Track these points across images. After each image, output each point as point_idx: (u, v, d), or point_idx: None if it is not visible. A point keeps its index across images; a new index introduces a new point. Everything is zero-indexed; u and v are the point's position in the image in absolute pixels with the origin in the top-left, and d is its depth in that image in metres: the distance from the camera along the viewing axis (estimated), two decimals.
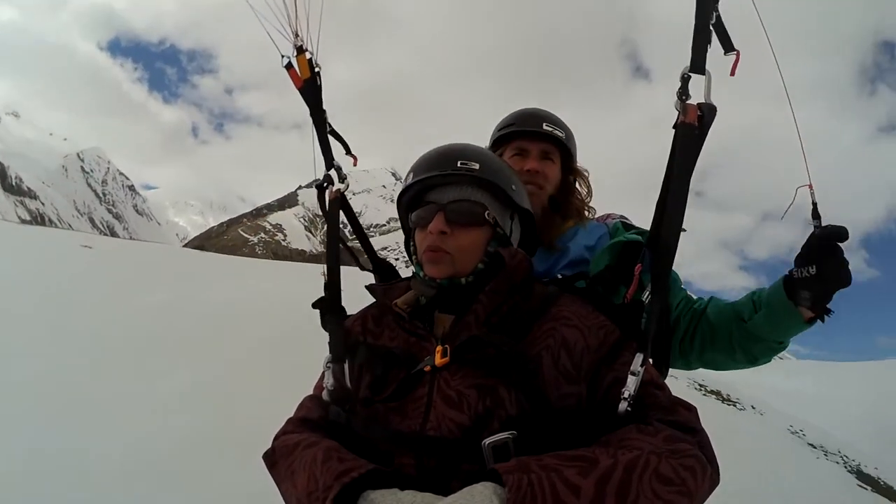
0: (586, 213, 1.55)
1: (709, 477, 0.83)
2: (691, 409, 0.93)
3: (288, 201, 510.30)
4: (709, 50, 1.02)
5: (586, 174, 1.56)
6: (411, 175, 1.14)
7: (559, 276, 1.21)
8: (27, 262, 10.05)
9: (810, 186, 1.09)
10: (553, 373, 0.95)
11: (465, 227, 1.07)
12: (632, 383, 0.90)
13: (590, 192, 1.56)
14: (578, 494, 0.73)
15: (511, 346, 0.95)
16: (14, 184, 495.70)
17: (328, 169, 1.31)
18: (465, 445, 0.89)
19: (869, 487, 10.20)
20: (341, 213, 1.31)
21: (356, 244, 1.56)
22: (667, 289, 0.98)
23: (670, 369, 1.22)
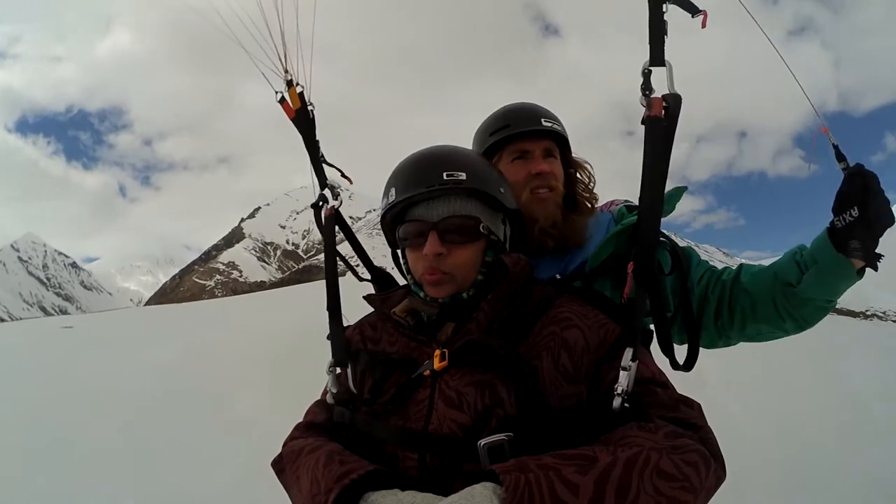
0: (595, 203, 1.51)
1: (713, 472, 0.83)
2: (694, 406, 0.93)
3: (234, 237, 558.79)
4: (665, 41, 1.04)
5: (586, 164, 1.51)
6: (393, 191, 1.10)
7: (557, 277, 1.22)
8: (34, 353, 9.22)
9: (826, 130, 1.11)
10: (553, 374, 0.96)
11: (461, 244, 1.06)
12: (624, 379, 0.91)
13: (592, 179, 1.51)
14: (577, 493, 0.74)
15: (508, 349, 0.96)
16: None
17: (322, 189, 1.37)
18: (466, 445, 0.91)
19: None
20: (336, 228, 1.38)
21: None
22: (654, 281, 1.01)
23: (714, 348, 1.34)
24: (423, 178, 1.07)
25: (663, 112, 1.02)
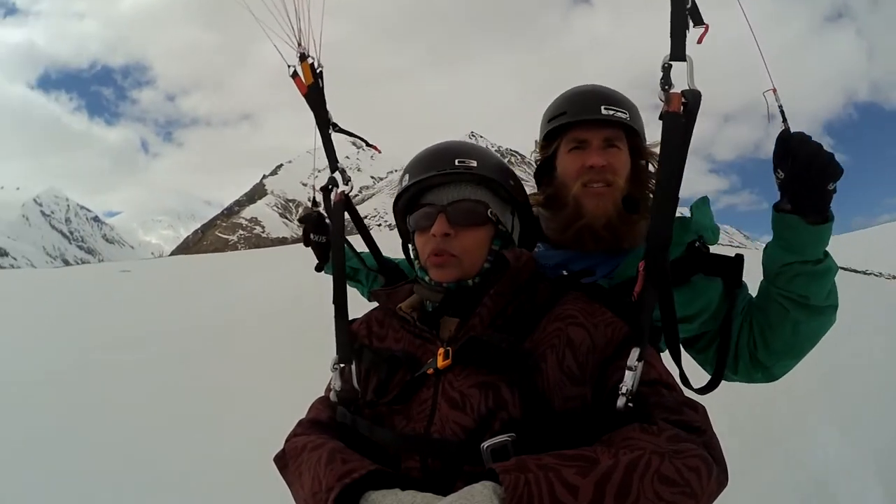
0: None
1: (715, 478, 0.84)
2: (698, 410, 0.94)
3: (256, 193, 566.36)
4: (687, 35, 1.04)
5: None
6: (407, 177, 1.17)
7: (564, 273, 1.21)
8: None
9: (774, 90, 1.12)
10: (557, 374, 0.97)
11: (468, 227, 1.10)
12: (629, 378, 0.92)
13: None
14: (576, 494, 0.75)
15: (510, 343, 0.99)
16: None
17: (333, 171, 1.38)
18: (468, 448, 0.93)
19: None
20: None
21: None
22: (665, 279, 1.01)
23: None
24: (435, 164, 1.14)
25: (682, 108, 1.03)
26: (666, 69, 1.04)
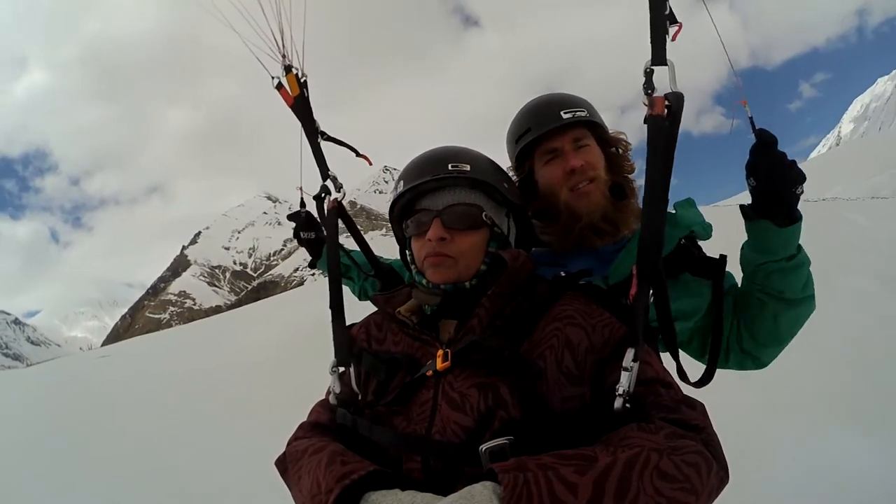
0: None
1: (715, 474, 0.86)
2: (696, 407, 0.97)
3: (180, 265, 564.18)
4: (668, 40, 1.09)
5: (622, 136, 1.51)
6: (402, 183, 1.23)
7: (562, 274, 1.24)
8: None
9: (744, 103, 1.21)
10: (556, 375, 1.01)
11: (463, 231, 1.16)
12: (625, 379, 0.95)
13: (629, 148, 1.53)
14: (576, 492, 0.77)
15: (511, 351, 1.02)
16: None
17: (324, 179, 1.42)
18: (469, 448, 0.95)
19: None
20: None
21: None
22: (658, 279, 1.06)
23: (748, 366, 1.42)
24: (429, 169, 1.20)
25: (665, 111, 1.07)
26: (648, 74, 1.09)
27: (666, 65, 1.09)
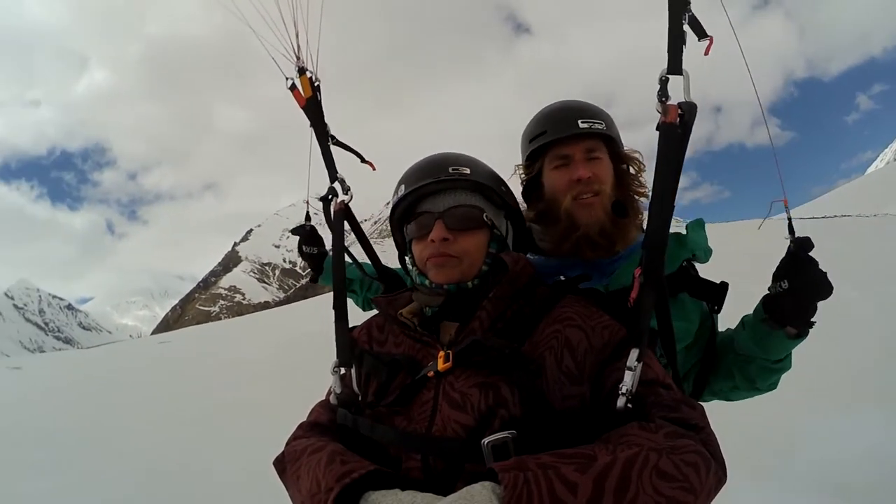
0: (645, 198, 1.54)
1: (713, 473, 0.88)
2: (696, 408, 1.00)
3: (231, 261, 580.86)
4: (684, 50, 1.11)
5: (636, 154, 1.53)
6: (402, 187, 1.27)
7: (562, 279, 1.29)
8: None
9: (785, 202, 1.23)
10: (556, 374, 1.04)
11: (465, 231, 1.20)
12: (629, 379, 0.98)
13: (642, 169, 1.54)
14: (576, 491, 0.79)
15: (512, 349, 1.05)
16: None
17: (332, 182, 1.47)
18: (469, 446, 0.98)
19: None
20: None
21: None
22: (661, 284, 1.10)
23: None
24: (430, 172, 1.24)
25: (678, 119, 1.12)
26: (663, 82, 1.14)
27: (681, 74, 1.14)
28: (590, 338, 1.08)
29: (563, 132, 1.44)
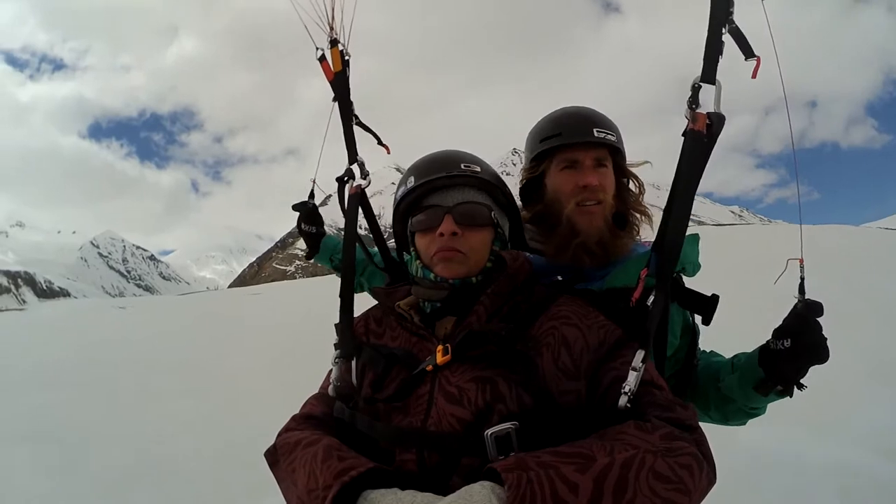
0: (644, 218, 1.61)
1: (706, 475, 0.94)
2: (689, 408, 1.05)
3: None
4: (720, 60, 1.16)
5: (642, 165, 1.62)
6: (412, 179, 1.31)
7: (559, 279, 1.35)
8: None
9: (801, 261, 1.25)
10: (553, 369, 1.09)
11: (473, 227, 1.25)
12: (632, 379, 1.03)
13: (642, 189, 1.61)
14: (577, 492, 0.83)
15: (509, 331, 1.11)
16: (45, 287, 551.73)
17: (351, 163, 1.48)
18: (466, 439, 1.02)
19: None
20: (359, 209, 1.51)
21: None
22: (668, 288, 1.15)
23: None
24: (443, 167, 1.29)
25: (706, 128, 1.16)
26: (695, 89, 1.17)
27: (714, 83, 1.18)
28: (586, 336, 1.13)
29: (579, 137, 1.49)
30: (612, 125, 1.54)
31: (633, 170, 1.61)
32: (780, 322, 1.31)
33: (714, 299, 1.39)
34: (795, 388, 1.31)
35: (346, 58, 1.51)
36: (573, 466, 0.87)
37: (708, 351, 1.65)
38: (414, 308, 1.28)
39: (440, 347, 1.14)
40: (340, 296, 1.34)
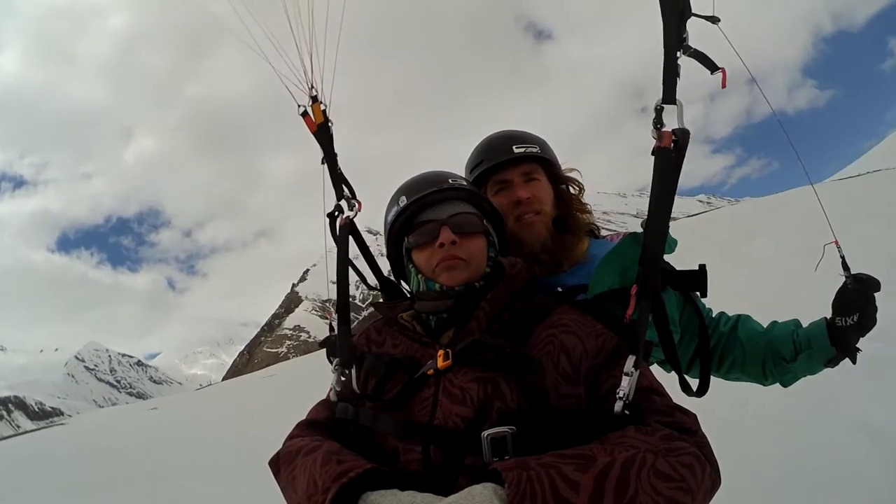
0: (590, 219, 1.77)
1: (708, 476, 0.97)
2: (690, 415, 1.08)
3: (292, 302, 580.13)
4: (678, 82, 1.24)
5: (575, 172, 1.75)
6: (404, 198, 1.40)
7: (559, 290, 1.42)
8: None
9: (836, 243, 1.39)
10: (553, 374, 1.13)
11: (469, 235, 1.34)
12: (626, 384, 1.08)
13: (581, 190, 1.75)
14: (578, 490, 0.86)
15: (513, 348, 1.14)
16: (37, 409, 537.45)
17: (339, 200, 1.61)
18: (469, 437, 1.05)
19: None
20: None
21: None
22: (656, 296, 1.21)
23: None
24: (432, 183, 1.39)
25: (672, 145, 1.22)
26: (658, 111, 1.25)
27: (675, 104, 1.26)
28: (584, 343, 1.18)
29: (500, 158, 1.66)
30: (535, 138, 1.73)
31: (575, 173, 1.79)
32: (835, 300, 1.52)
33: (702, 271, 1.46)
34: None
35: (324, 108, 1.68)
36: (574, 466, 0.91)
37: (730, 315, 1.82)
38: (416, 319, 1.38)
39: (441, 352, 1.21)
40: (336, 310, 1.48)
